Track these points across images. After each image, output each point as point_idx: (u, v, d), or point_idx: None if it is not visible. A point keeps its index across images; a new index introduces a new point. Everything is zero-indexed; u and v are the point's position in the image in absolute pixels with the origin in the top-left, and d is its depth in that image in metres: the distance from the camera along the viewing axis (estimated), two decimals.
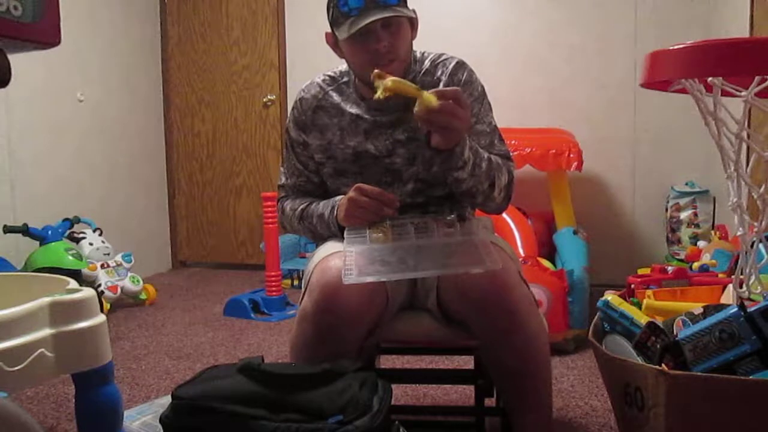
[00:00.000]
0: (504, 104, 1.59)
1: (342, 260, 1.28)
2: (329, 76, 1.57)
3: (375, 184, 1.49)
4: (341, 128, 1.51)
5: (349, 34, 1.38)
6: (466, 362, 2.27)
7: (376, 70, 1.32)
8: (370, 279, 1.23)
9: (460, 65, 1.53)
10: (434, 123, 1.28)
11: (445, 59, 1.53)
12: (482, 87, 1.54)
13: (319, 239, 1.58)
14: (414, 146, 1.48)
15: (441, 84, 1.49)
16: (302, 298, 1.38)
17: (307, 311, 1.32)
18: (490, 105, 1.55)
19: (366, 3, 1.35)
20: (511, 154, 1.55)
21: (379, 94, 1.28)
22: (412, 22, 1.46)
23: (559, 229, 3.13)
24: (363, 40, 1.39)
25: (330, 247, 1.45)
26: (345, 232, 1.38)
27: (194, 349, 2.71)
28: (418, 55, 1.55)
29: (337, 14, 1.40)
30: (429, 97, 1.25)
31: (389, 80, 1.28)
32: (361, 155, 1.50)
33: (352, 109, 1.51)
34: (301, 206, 1.55)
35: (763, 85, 1.26)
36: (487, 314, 1.30)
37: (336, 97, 1.53)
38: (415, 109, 1.26)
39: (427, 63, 1.53)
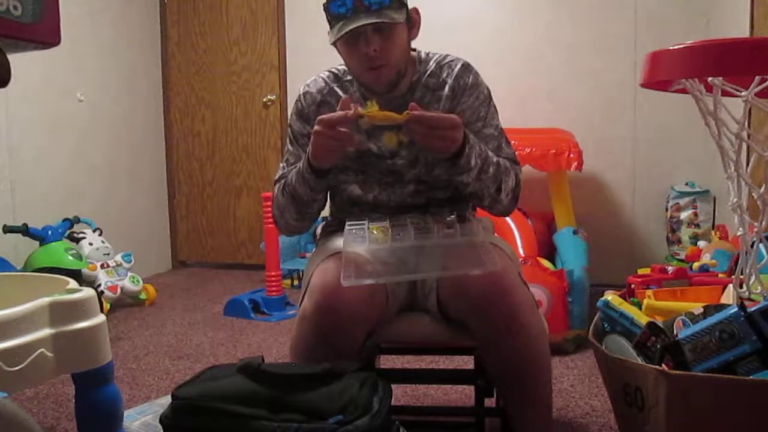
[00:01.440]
0: (504, 104, 1.58)
1: (341, 261, 1.28)
2: (333, 73, 1.56)
3: (376, 183, 1.50)
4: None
5: (336, 38, 1.39)
6: (466, 362, 2.27)
7: (351, 111, 1.32)
8: (369, 281, 1.23)
9: (466, 68, 1.52)
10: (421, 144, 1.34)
11: (451, 61, 1.52)
12: (488, 89, 1.54)
13: (302, 208, 1.50)
14: (417, 148, 1.48)
15: (447, 87, 1.49)
16: (302, 300, 1.38)
17: (307, 313, 1.32)
18: (495, 108, 1.54)
19: (355, 5, 1.34)
20: (517, 156, 1.54)
21: (364, 121, 1.31)
22: (410, 23, 1.45)
23: (559, 229, 3.13)
24: (353, 44, 1.39)
25: (330, 247, 1.45)
26: (345, 232, 1.38)
27: (194, 349, 2.71)
28: (423, 55, 1.54)
29: (328, 17, 1.40)
30: (390, 137, 1.38)
31: (367, 116, 1.30)
32: (364, 154, 1.50)
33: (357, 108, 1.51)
34: (283, 180, 1.51)
35: (763, 85, 1.26)
36: (487, 316, 1.30)
37: (340, 94, 1.52)
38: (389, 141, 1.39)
39: (432, 64, 1.52)
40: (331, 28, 1.41)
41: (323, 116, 1.32)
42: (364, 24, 1.34)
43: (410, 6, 1.45)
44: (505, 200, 1.46)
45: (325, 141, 1.31)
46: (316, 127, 1.33)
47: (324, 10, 1.41)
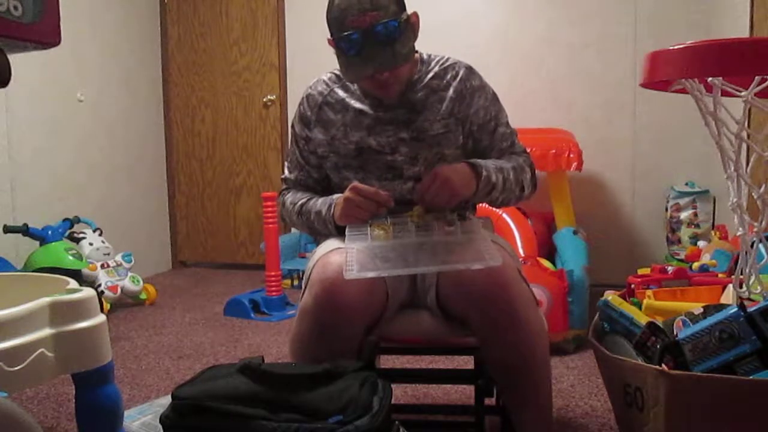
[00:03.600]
0: (504, 104, 1.60)
1: (343, 257, 1.28)
2: (335, 74, 1.58)
3: (376, 180, 1.51)
4: (345, 123, 1.53)
5: (347, 78, 1.44)
6: (466, 362, 2.27)
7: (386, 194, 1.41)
8: (371, 274, 1.24)
9: (470, 71, 1.55)
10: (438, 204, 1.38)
11: (453, 63, 1.55)
12: (493, 90, 1.58)
13: (315, 235, 1.60)
14: (417, 146, 1.49)
15: (451, 89, 1.52)
16: (303, 294, 1.39)
17: (308, 306, 1.33)
18: (502, 105, 1.59)
19: (364, 40, 1.34)
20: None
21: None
22: (413, 30, 1.44)
23: (559, 229, 3.13)
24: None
25: (331, 244, 1.45)
26: (346, 230, 1.39)
27: (194, 349, 2.71)
28: (425, 56, 1.56)
29: (337, 45, 1.39)
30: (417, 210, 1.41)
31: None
32: (363, 150, 1.51)
33: (356, 105, 1.53)
34: (301, 201, 1.56)
35: (763, 85, 1.26)
36: (487, 311, 1.31)
37: (341, 93, 1.55)
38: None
39: (435, 66, 1.54)
40: (338, 57, 1.41)
41: (357, 184, 1.40)
42: (372, 72, 1.37)
43: (411, 9, 1.45)
44: (528, 192, 1.55)
45: (353, 209, 1.39)
46: (347, 193, 1.40)
47: (331, 32, 1.40)
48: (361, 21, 1.33)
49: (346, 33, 1.35)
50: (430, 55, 1.57)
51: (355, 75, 1.41)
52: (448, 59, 1.56)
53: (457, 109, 1.51)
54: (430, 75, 1.53)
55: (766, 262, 1.38)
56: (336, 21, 1.37)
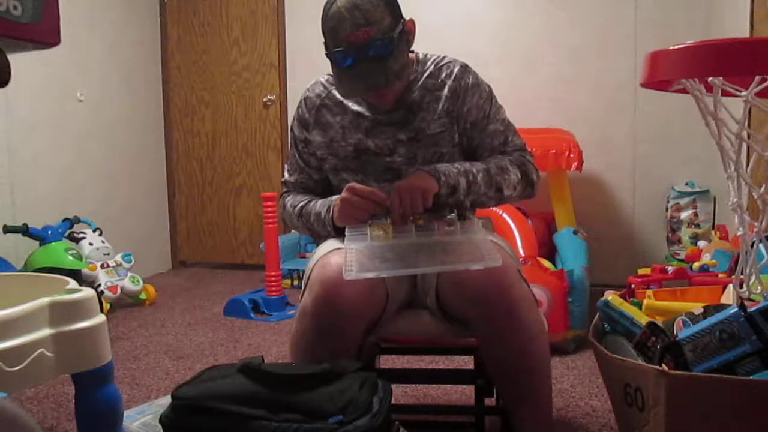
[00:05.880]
0: (504, 104, 1.60)
1: (342, 257, 1.28)
2: (332, 75, 1.58)
3: (375, 182, 1.50)
4: (343, 126, 1.52)
5: (340, 92, 1.46)
6: (466, 362, 2.27)
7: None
8: (370, 275, 1.24)
9: (465, 69, 1.54)
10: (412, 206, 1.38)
11: (449, 62, 1.54)
12: (489, 87, 1.56)
13: (317, 237, 1.60)
14: (415, 147, 1.49)
15: (446, 87, 1.51)
16: (302, 295, 1.39)
17: (307, 307, 1.32)
18: (499, 103, 1.57)
19: (356, 56, 1.34)
20: (526, 145, 1.59)
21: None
22: (408, 37, 1.43)
23: (559, 229, 3.13)
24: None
25: (330, 244, 1.45)
26: (346, 230, 1.39)
27: (194, 349, 2.71)
28: (421, 56, 1.56)
29: (330, 57, 1.40)
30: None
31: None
32: (362, 152, 1.51)
33: (354, 107, 1.52)
34: (301, 203, 1.56)
35: (763, 85, 1.26)
36: (486, 311, 1.31)
37: (338, 98, 1.55)
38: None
39: (430, 65, 1.54)
40: (332, 67, 1.41)
41: (353, 184, 1.39)
42: (364, 89, 1.37)
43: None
44: (514, 194, 1.51)
45: (351, 209, 1.38)
46: (343, 194, 1.39)
47: (325, 44, 1.41)
48: (354, 37, 1.33)
49: (338, 49, 1.35)
50: (426, 54, 1.56)
51: (347, 92, 1.42)
52: (443, 58, 1.55)
53: (452, 108, 1.50)
54: (426, 74, 1.52)
55: (766, 262, 1.38)
56: (330, 33, 1.36)
